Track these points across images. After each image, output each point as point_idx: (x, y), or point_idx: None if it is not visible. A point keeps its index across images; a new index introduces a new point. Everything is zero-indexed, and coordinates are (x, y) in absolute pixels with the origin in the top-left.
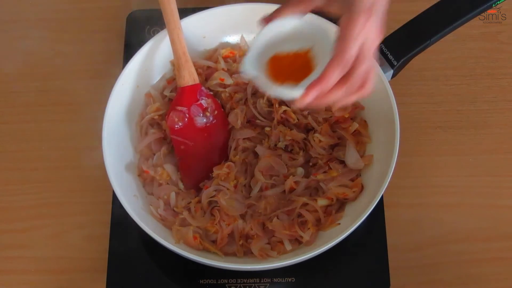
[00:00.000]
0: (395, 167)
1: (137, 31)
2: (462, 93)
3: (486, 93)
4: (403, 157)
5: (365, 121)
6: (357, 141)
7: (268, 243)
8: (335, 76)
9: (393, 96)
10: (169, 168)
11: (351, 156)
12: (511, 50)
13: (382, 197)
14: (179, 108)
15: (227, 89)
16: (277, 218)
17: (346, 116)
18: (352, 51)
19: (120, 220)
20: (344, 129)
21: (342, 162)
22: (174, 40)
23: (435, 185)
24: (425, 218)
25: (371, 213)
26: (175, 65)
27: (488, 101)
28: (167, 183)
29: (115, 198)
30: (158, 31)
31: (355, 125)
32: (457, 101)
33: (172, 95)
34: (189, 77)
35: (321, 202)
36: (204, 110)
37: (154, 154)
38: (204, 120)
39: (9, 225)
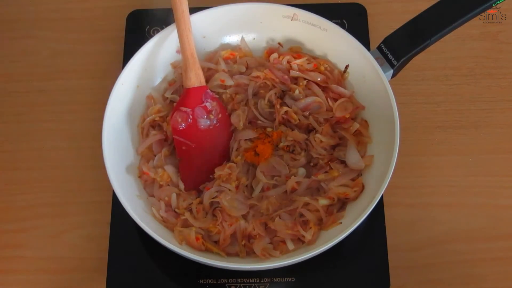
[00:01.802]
0: (395, 167)
1: (137, 31)
2: (462, 93)
3: (486, 93)
4: (403, 157)
5: (366, 121)
6: (358, 141)
7: (271, 243)
8: None
9: (393, 96)
10: (170, 169)
11: (352, 157)
12: (511, 50)
13: (382, 197)
14: (183, 109)
15: (228, 90)
16: (279, 218)
17: (347, 116)
18: None
19: (120, 220)
20: (345, 129)
21: (343, 162)
22: (184, 41)
23: (435, 185)
24: (425, 218)
25: (371, 213)
26: (183, 66)
27: (488, 101)
28: (168, 185)
29: (115, 198)
30: (158, 31)
31: (356, 125)
32: (457, 101)
33: (173, 97)
34: (196, 79)
35: (322, 201)
36: (209, 112)
37: (155, 156)
38: (208, 122)
39: (9, 225)
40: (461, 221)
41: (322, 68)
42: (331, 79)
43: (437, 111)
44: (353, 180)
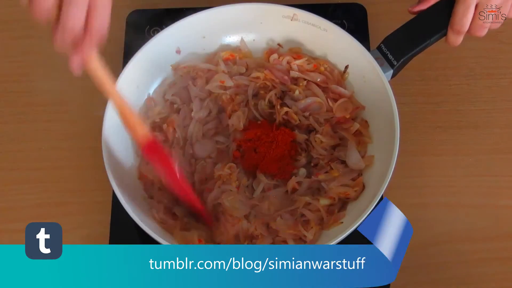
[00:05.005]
0: (395, 167)
1: (137, 31)
2: (462, 93)
3: (486, 93)
4: (403, 157)
5: (366, 121)
6: (358, 141)
7: (273, 243)
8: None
9: (393, 96)
10: None
11: (352, 157)
12: (511, 50)
13: (382, 197)
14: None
15: (228, 91)
16: (281, 218)
17: (347, 116)
18: None
19: (120, 220)
20: (345, 129)
21: (344, 162)
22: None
23: (435, 185)
24: (425, 218)
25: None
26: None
27: (488, 101)
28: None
29: (115, 198)
30: (158, 31)
31: (356, 126)
32: (457, 101)
33: (173, 99)
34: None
35: (323, 201)
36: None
37: None
38: None
39: (9, 225)
40: (461, 221)
41: (322, 68)
42: (331, 79)
43: (437, 111)
44: (353, 180)
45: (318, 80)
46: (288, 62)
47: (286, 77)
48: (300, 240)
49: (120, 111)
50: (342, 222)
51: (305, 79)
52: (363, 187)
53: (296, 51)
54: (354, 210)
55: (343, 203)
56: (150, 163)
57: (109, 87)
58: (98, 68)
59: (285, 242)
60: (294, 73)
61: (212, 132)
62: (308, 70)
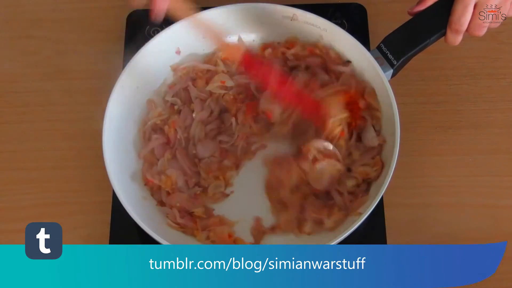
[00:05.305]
0: (395, 167)
1: (137, 31)
2: (462, 93)
3: (486, 93)
4: (403, 157)
5: (374, 90)
6: (371, 116)
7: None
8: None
9: (393, 96)
10: (173, 173)
11: (368, 134)
12: (511, 50)
13: (382, 197)
14: None
15: (230, 92)
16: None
17: (353, 92)
18: None
19: (120, 220)
20: (355, 108)
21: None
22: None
23: (435, 185)
24: (425, 218)
25: (371, 213)
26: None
27: (488, 101)
28: (174, 190)
29: (115, 198)
30: (158, 31)
31: (364, 101)
32: (457, 101)
33: (173, 100)
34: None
35: (349, 182)
36: None
37: (158, 160)
38: None
39: (9, 225)
40: (461, 221)
41: (317, 51)
42: (329, 59)
43: (437, 111)
44: (373, 158)
45: (316, 62)
46: (283, 53)
47: (285, 68)
48: (319, 224)
49: (210, 36)
50: (361, 213)
51: (303, 65)
52: (383, 165)
53: (292, 41)
54: None
55: (366, 185)
56: (249, 75)
57: (189, 17)
58: (177, 9)
59: (305, 221)
60: (292, 62)
61: (215, 132)
62: (304, 55)
